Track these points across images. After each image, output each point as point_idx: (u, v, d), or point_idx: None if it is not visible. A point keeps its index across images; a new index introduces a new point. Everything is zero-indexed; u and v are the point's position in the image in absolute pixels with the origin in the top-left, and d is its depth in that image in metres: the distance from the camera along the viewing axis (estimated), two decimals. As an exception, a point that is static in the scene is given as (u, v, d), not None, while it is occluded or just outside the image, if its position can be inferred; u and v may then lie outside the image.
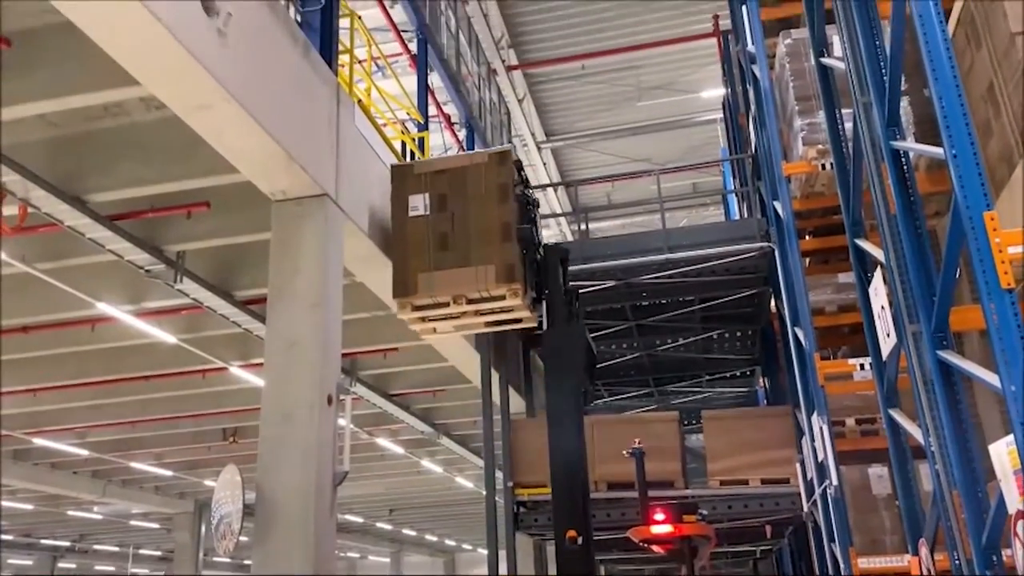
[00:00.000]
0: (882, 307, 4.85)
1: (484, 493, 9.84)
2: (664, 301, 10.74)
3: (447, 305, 6.40)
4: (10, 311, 8.47)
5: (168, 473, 18.18)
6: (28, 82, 5.21)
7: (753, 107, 9.53)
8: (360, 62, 9.03)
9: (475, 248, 6.21)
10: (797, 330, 7.61)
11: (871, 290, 5.02)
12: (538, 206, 7.01)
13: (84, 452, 15.61)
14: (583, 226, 14.47)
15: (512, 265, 6.11)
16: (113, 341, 9.82)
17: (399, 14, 10.87)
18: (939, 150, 3.70)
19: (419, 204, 6.42)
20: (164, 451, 16.40)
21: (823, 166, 7.31)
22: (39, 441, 14.65)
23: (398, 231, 6.56)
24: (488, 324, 6.79)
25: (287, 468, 5.35)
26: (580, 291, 9.03)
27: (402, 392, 13.26)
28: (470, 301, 6.36)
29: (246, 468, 5.20)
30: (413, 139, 11.09)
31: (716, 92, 17.25)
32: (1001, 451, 3.24)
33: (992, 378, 3.38)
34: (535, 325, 6.92)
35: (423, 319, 6.70)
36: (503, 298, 6.31)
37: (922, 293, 4.23)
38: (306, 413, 5.48)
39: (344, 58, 7.87)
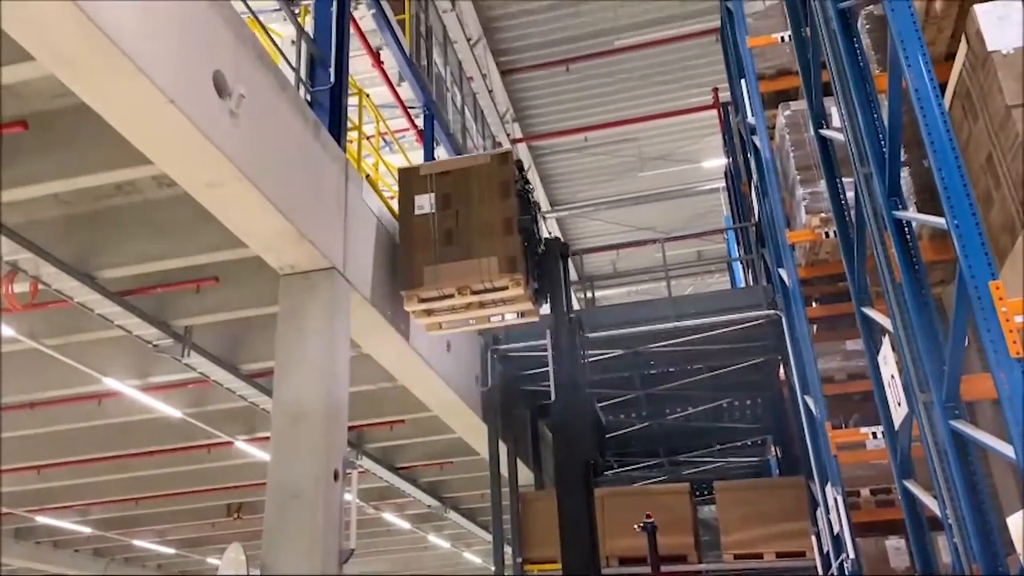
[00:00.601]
0: (892, 376, 4.82)
1: (493, 569, 9.63)
2: (672, 369, 10.69)
3: (452, 297, 6.54)
4: (17, 388, 8.47)
5: (171, 551, 17.85)
6: (44, 163, 5.32)
7: (755, 176, 9.66)
8: (368, 138, 9.22)
9: (478, 242, 6.41)
10: (807, 398, 7.55)
11: (880, 359, 5.00)
12: (539, 207, 7.12)
13: (87, 530, 15.37)
14: (589, 294, 14.50)
15: (514, 257, 6.32)
16: (119, 416, 9.78)
17: (406, 91, 11.13)
18: (941, 220, 3.73)
19: (425, 203, 6.66)
20: (167, 528, 16.13)
21: (826, 234, 7.36)
22: (42, 519, 14.44)
23: (404, 229, 6.75)
24: (492, 318, 6.90)
25: (293, 546, 5.26)
26: (588, 360, 9.02)
27: (409, 465, 13.11)
28: (474, 292, 6.49)
29: (251, 545, 5.11)
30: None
31: (717, 162, 17.50)
32: (1019, 524, 3.18)
33: (1006, 448, 3.34)
34: (536, 319, 7.08)
35: (428, 312, 6.79)
36: (506, 288, 6.44)
37: (931, 362, 4.21)
38: (312, 488, 5.41)
39: (353, 134, 8.05)
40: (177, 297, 7.25)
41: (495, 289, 6.46)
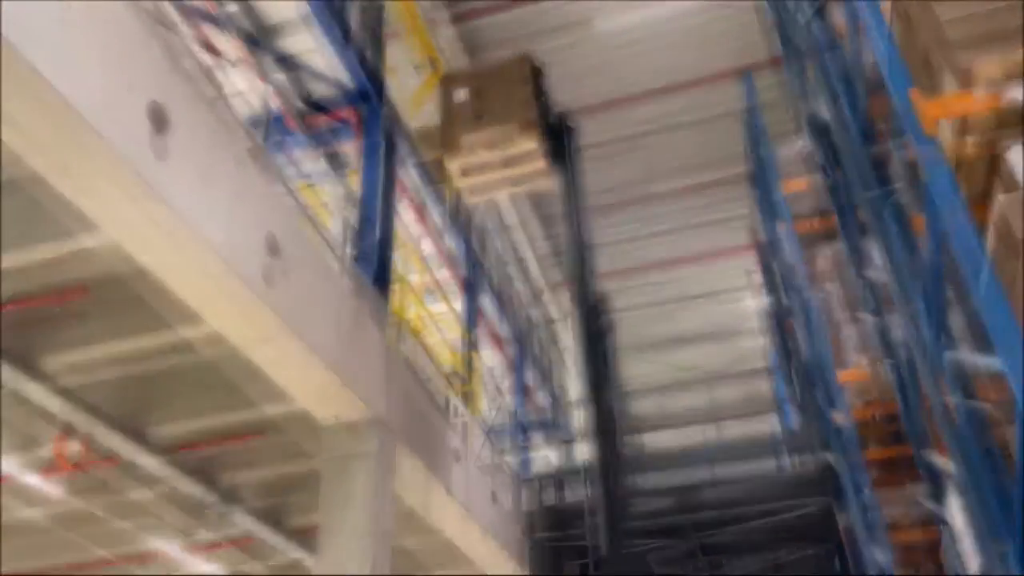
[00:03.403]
0: (962, 524, 4.57)
1: None
2: (726, 517, 10.25)
3: (482, 154, 7.82)
4: (62, 549, 8.41)
5: None
6: (102, 326, 5.52)
7: (799, 315, 9.60)
8: (412, 289, 9.45)
9: (503, 115, 7.86)
10: (872, 547, 7.15)
11: (947, 506, 4.76)
12: (549, 97, 8.39)
13: None
14: (637, 439, 14.21)
15: (531, 121, 7.76)
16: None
17: (449, 243, 11.48)
18: (994, 361, 3.64)
19: (461, 95, 8.04)
20: None
21: (878, 373, 7.21)
22: None
23: (445, 114, 7.99)
24: (515, 179, 8.17)
25: None
26: (638, 508, 8.72)
27: (454, 623, 12.52)
28: (499, 149, 7.76)
29: None
30: (462, 359, 11.32)
31: (759, 301, 17.47)
32: None
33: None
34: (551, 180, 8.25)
35: (465, 173, 7.93)
36: (525, 144, 7.73)
37: (1002, 508, 3.99)
38: (355, 654, 5.19)
39: (397, 285, 8.26)
40: (224, 453, 7.27)
41: (515, 146, 7.78)
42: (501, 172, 8.09)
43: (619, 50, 13.59)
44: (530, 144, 7.79)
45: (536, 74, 8.16)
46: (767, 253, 13.75)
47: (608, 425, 7.00)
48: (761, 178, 11.80)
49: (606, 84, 13.99)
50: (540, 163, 7.97)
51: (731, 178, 15.76)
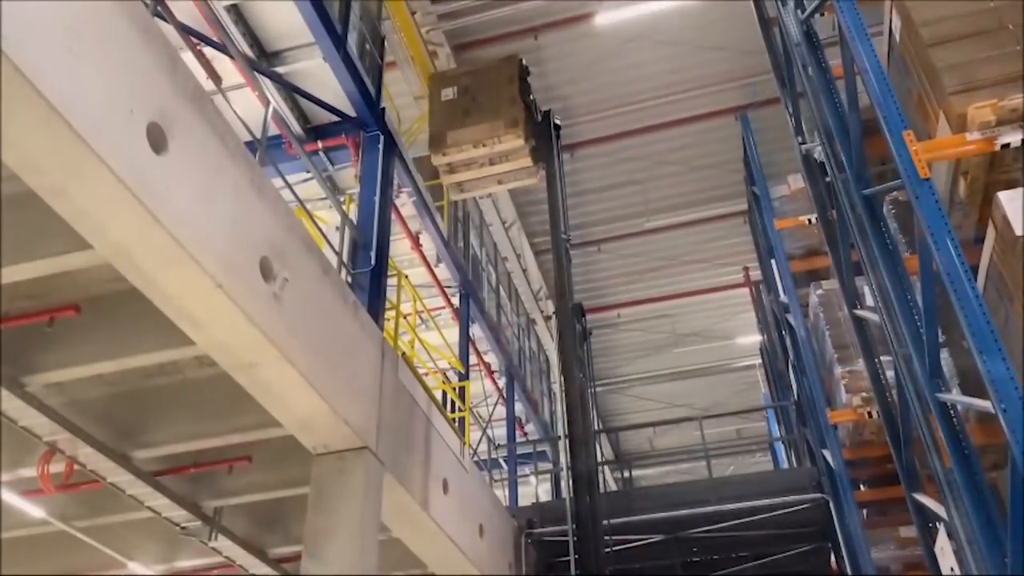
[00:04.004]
0: (952, 568, 4.53)
1: None
2: (717, 557, 10.15)
3: (469, 151, 8.05)
4: (41, 572, 8.26)
5: None
6: (92, 345, 5.48)
7: (791, 354, 9.59)
8: (405, 316, 9.42)
9: (489, 112, 8.05)
10: (862, 590, 7.08)
11: (937, 550, 4.73)
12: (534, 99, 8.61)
13: None
14: (627, 474, 14.12)
15: (516, 119, 7.94)
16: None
17: (443, 272, 11.48)
18: (986, 404, 3.64)
19: (449, 92, 8.26)
20: None
21: (869, 414, 7.19)
22: None
23: (434, 111, 8.23)
24: (501, 176, 8.41)
25: None
26: (627, 545, 8.62)
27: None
28: (485, 146, 7.96)
29: None
30: (454, 388, 11.25)
31: (752, 338, 17.50)
32: None
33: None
34: (535, 180, 8.49)
35: (451, 169, 8.16)
36: (510, 142, 7.92)
37: (992, 554, 3.96)
38: None
39: (390, 313, 8.24)
40: (209, 477, 7.18)
41: (501, 143, 7.97)
42: (487, 169, 8.33)
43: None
44: (516, 141, 7.97)
45: (523, 74, 8.42)
46: (761, 291, 13.79)
47: (586, 433, 7.04)
48: (756, 216, 11.88)
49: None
50: (526, 160, 8.18)
51: (727, 215, 15.89)
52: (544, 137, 8.50)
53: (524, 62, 8.56)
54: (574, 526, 6.66)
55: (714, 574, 10.26)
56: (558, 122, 8.76)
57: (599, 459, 20.41)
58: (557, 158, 8.52)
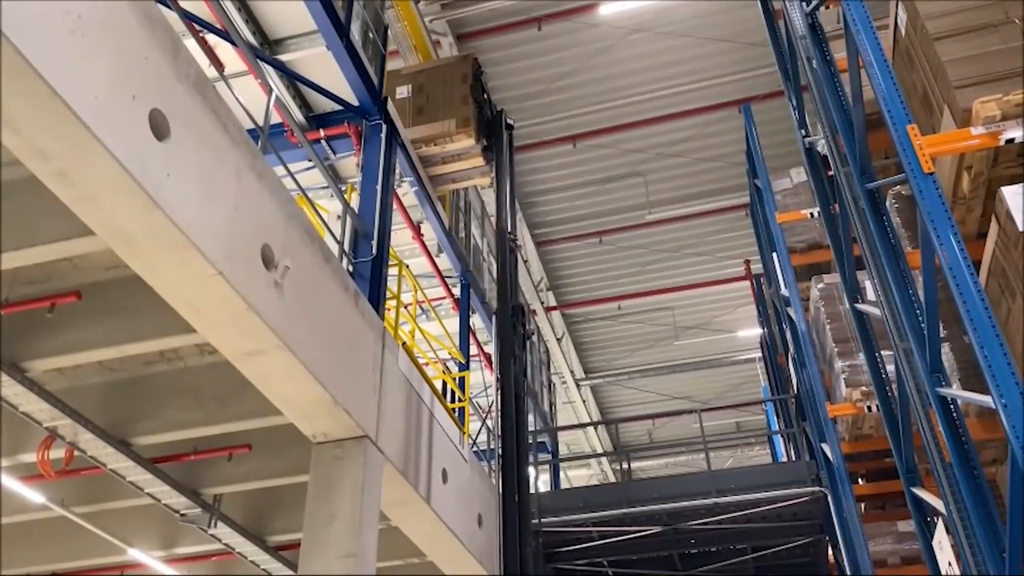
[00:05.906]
0: (949, 563, 4.54)
1: None
2: (714, 549, 10.19)
3: (421, 148, 8.27)
4: (41, 557, 8.30)
5: None
6: (93, 331, 5.49)
7: (791, 347, 9.59)
8: (406, 306, 9.42)
9: (442, 111, 8.18)
10: (859, 584, 7.10)
11: (935, 544, 4.73)
12: (490, 98, 8.73)
13: None
14: (625, 466, 14.15)
15: (468, 118, 8.05)
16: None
17: (444, 262, 11.47)
18: (987, 398, 3.64)
19: (404, 91, 8.41)
20: None
21: (869, 408, 7.20)
22: None
23: None
24: (455, 175, 8.64)
25: None
26: (625, 537, 8.65)
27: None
28: (437, 145, 8.11)
29: None
30: (454, 378, 11.26)
31: (752, 332, 17.50)
32: None
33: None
34: (488, 182, 8.62)
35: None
36: (461, 141, 8.06)
37: (990, 548, 3.97)
38: (334, 674, 5.10)
39: (391, 303, 8.23)
40: (209, 464, 7.20)
41: (453, 143, 8.10)
42: (441, 168, 8.51)
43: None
44: (467, 140, 8.13)
45: (477, 72, 8.43)
46: (762, 284, 13.78)
47: (517, 421, 7.08)
48: (758, 209, 11.85)
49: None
50: (477, 160, 8.33)
51: (729, 208, 15.86)
52: (496, 137, 8.54)
53: (478, 60, 8.63)
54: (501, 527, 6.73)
55: (712, 566, 10.31)
56: (511, 122, 8.80)
57: (597, 452, 20.45)
58: (508, 158, 8.54)
